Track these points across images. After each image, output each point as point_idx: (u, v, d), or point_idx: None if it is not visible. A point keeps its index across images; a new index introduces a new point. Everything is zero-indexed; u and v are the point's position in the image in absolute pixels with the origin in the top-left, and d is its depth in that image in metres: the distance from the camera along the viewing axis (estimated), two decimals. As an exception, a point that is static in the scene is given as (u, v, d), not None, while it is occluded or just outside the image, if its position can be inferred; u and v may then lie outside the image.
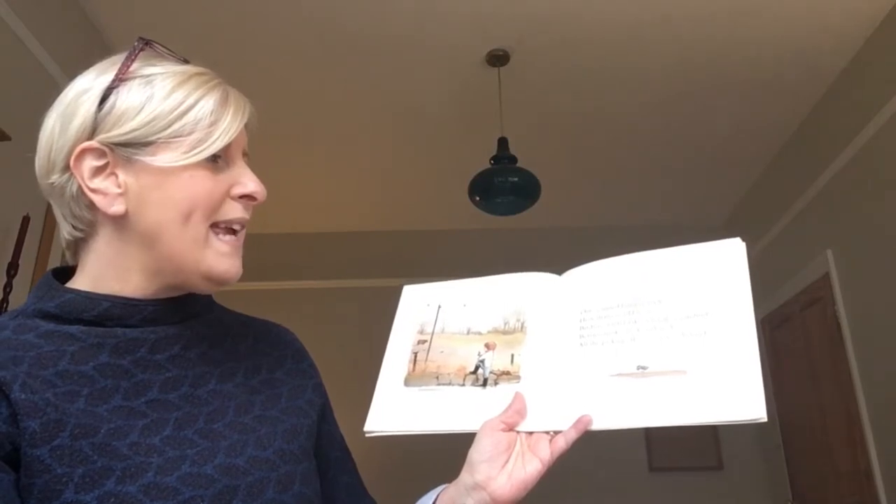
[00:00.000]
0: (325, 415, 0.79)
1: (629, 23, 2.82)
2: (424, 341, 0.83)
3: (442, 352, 0.81)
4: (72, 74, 0.69)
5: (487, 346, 0.79)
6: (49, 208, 2.40)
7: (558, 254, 4.87)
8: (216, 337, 0.72)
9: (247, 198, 0.68)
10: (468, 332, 0.82)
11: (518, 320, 0.81)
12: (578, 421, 0.69)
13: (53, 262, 2.40)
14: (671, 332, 0.71)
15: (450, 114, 3.42)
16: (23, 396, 0.56)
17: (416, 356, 0.82)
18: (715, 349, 0.69)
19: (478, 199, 2.98)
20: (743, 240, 0.76)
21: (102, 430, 0.58)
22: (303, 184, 4.03)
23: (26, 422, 0.55)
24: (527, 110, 3.35)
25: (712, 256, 0.75)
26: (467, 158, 3.34)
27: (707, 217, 4.56)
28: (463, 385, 0.77)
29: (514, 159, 2.97)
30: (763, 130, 3.62)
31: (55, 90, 0.68)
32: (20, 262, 2.14)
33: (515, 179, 2.91)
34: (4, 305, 2.07)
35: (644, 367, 0.70)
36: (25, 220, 2.20)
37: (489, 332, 0.81)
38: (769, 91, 3.27)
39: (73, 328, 0.63)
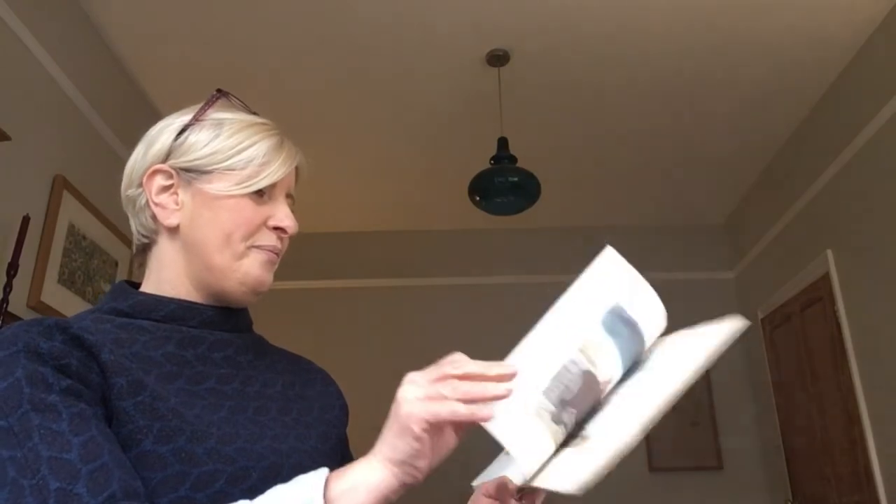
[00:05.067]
0: (344, 436, 0.86)
1: (629, 23, 2.82)
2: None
3: None
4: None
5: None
6: (49, 208, 2.40)
7: (558, 254, 4.87)
8: (259, 352, 0.82)
9: (279, 230, 0.79)
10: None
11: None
12: (500, 478, 0.72)
13: (53, 262, 2.40)
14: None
15: (450, 114, 3.42)
16: (111, 358, 0.66)
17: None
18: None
19: (478, 199, 2.98)
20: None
21: (172, 400, 0.67)
22: (302, 184, 4.02)
23: (114, 378, 0.65)
24: (527, 110, 3.35)
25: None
26: (467, 158, 3.35)
27: (707, 217, 4.56)
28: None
29: (514, 159, 2.97)
30: (763, 130, 3.62)
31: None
32: (20, 262, 2.14)
33: (515, 179, 2.91)
34: (4, 305, 2.07)
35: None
36: (25, 220, 2.20)
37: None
38: (769, 90, 3.27)
39: (144, 322, 0.74)
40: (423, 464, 0.56)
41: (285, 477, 0.65)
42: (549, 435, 0.58)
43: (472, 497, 0.75)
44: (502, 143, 3.02)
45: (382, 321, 4.38)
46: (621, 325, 0.63)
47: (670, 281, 4.35)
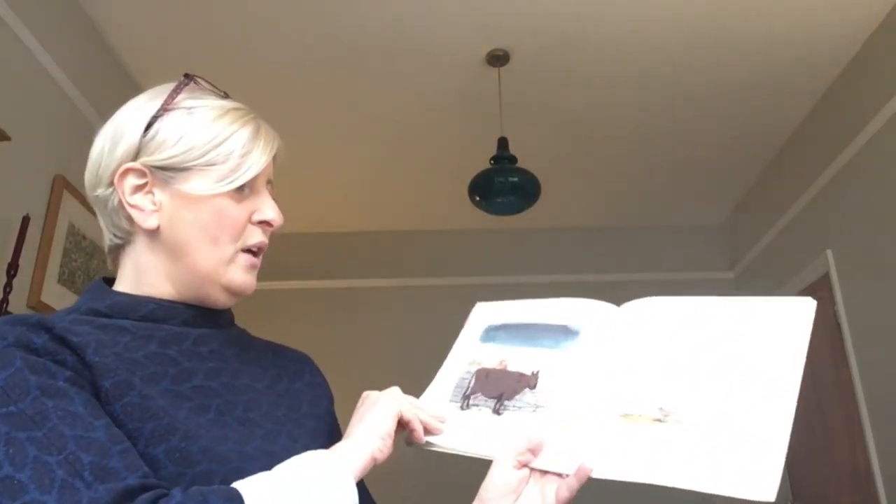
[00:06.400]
0: (334, 428, 0.83)
1: (629, 23, 2.82)
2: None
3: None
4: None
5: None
6: (49, 208, 2.40)
7: (559, 254, 4.86)
8: (243, 345, 0.79)
9: (265, 223, 0.76)
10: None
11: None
12: (578, 469, 0.67)
13: (53, 262, 2.40)
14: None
15: (450, 114, 3.42)
16: (96, 359, 0.63)
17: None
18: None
19: (478, 199, 2.98)
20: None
21: (159, 402, 0.64)
22: (302, 184, 4.02)
23: (100, 382, 0.62)
24: (527, 110, 3.35)
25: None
26: (467, 158, 3.34)
27: (707, 217, 4.56)
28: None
29: (514, 159, 2.97)
30: (763, 130, 3.62)
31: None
32: (20, 262, 2.14)
33: (515, 179, 2.91)
34: (4, 305, 2.07)
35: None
36: (25, 220, 2.20)
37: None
38: (769, 91, 3.27)
39: (124, 322, 0.70)
40: (390, 442, 0.70)
41: None
42: (463, 417, 0.79)
43: (493, 471, 0.71)
44: (502, 143, 3.02)
45: (382, 321, 4.38)
46: (495, 332, 0.88)
47: (670, 281, 4.36)
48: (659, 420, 0.67)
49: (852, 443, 3.10)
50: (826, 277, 3.30)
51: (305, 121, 3.42)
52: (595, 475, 0.66)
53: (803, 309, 0.70)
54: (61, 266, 2.45)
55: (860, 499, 3.04)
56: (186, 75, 0.77)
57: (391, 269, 4.54)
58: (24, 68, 2.31)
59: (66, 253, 2.48)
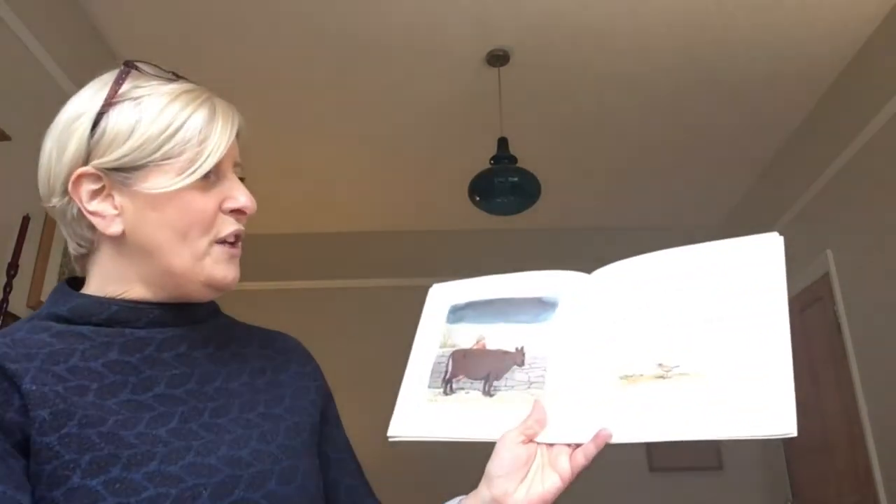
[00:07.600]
0: (326, 416, 0.79)
1: (629, 22, 2.82)
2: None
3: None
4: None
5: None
6: (49, 208, 2.40)
7: (558, 254, 4.85)
8: (222, 340, 0.74)
9: (237, 211, 0.70)
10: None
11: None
12: (597, 435, 0.65)
13: (53, 262, 2.40)
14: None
15: (450, 114, 3.42)
16: (33, 388, 0.59)
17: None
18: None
19: (478, 199, 2.98)
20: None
21: (110, 421, 0.60)
22: (303, 184, 4.03)
23: (36, 411, 0.58)
24: (527, 110, 3.35)
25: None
26: (467, 158, 3.35)
27: (707, 217, 4.56)
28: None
29: (514, 159, 2.97)
30: (763, 130, 3.62)
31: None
32: (20, 262, 2.14)
33: (515, 179, 2.91)
34: (4, 305, 2.07)
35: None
36: (25, 220, 2.20)
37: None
38: (769, 91, 3.27)
39: (84, 328, 0.66)
40: None
41: (242, 491, 0.62)
42: (449, 402, 0.76)
43: (499, 449, 0.69)
44: (502, 143, 3.02)
45: (382, 321, 4.37)
46: (462, 311, 0.84)
47: (670, 281, 4.37)
48: (661, 377, 0.66)
49: (852, 443, 3.11)
50: (826, 277, 3.30)
51: (305, 120, 3.42)
52: (615, 440, 0.65)
53: (771, 243, 0.72)
54: (61, 266, 2.45)
55: (860, 499, 3.04)
56: (126, 63, 0.71)
57: (391, 269, 4.54)
58: (24, 68, 2.31)
59: (66, 253, 2.48)
